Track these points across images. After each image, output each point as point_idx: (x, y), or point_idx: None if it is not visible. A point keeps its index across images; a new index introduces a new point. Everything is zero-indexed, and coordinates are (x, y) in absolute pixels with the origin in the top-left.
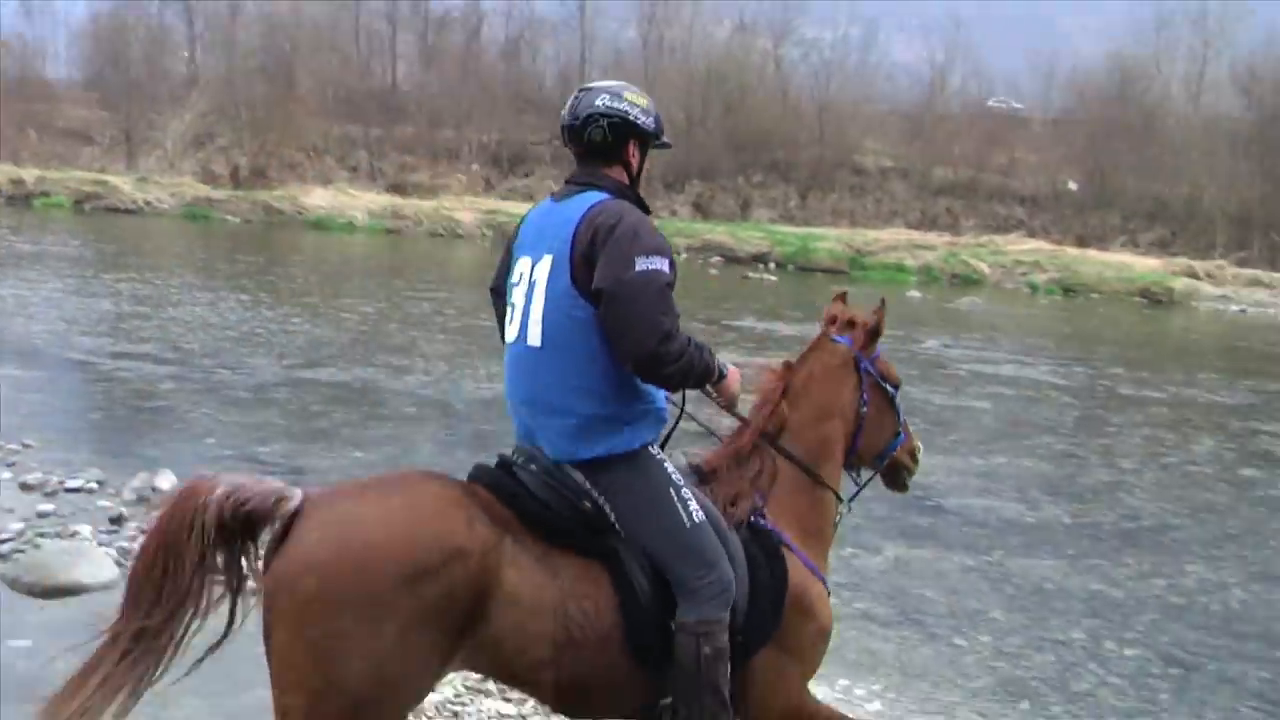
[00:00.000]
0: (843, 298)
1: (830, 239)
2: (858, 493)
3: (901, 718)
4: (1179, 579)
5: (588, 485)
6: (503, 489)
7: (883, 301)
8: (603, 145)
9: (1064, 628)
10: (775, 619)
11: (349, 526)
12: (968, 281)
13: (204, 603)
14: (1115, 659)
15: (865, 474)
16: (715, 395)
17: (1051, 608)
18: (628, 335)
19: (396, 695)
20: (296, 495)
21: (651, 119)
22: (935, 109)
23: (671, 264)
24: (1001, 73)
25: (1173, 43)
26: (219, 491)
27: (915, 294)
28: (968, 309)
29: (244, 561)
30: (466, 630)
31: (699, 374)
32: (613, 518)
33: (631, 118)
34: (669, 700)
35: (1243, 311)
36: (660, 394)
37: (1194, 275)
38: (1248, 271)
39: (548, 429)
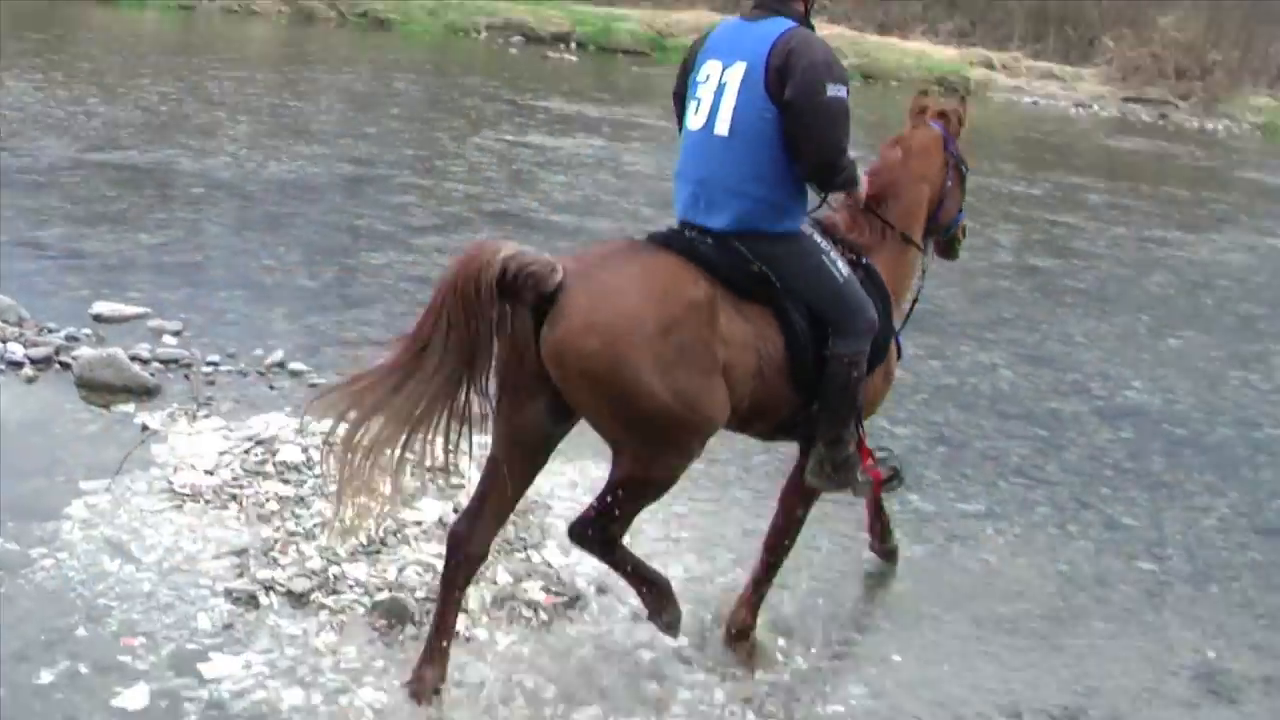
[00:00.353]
0: (926, 94)
1: (632, 20)
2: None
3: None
4: (954, 360)
5: (749, 254)
6: (695, 253)
7: (963, 97)
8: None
9: None
10: (883, 352)
11: (612, 293)
12: None
13: (479, 356)
14: (886, 438)
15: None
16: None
17: None
18: (815, 145)
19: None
20: (560, 268)
21: None
22: None
23: (848, 92)
24: None
25: None
26: (504, 253)
27: None
28: None
29: (511, 321)
30: (711, 368)
31: (853, 183)
32: (774, 278)
33: None
34: (816, 407)
35: (1035, 104)
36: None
37: (990, 66)
38: (1042, 64)
39: (723, 206)
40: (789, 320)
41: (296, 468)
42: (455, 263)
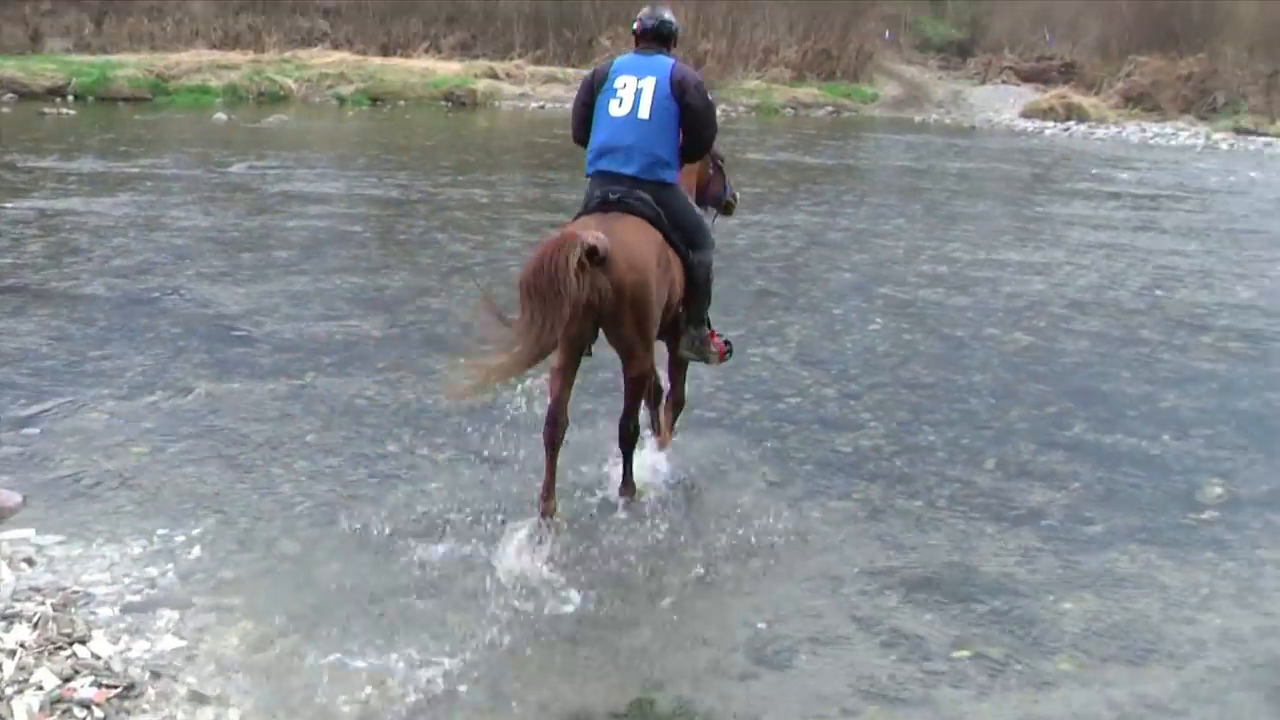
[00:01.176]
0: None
1: (130, 65)
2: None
3: (224, 558)
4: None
5: (650, 198)
6: (641, 213)
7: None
8: (668, 37)
9: (379, 440)
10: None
11: (634, 249)
12: (275, 99)
13: (568, 307)
14: (427, 464)
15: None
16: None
17: (365, 423)
18: (703, 131)
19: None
20: (604, 239)
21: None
22: None
23: None
24: None
25: None
26: (586, 237)
27: (222, 116)
28: (276, 126)
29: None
30: (669, 282)
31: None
32: (664, 216)
33: (677, 27)
34: (691, 308)
35: (541, 107)
36: None
37: (495, 76)
38: (544, 69)
39: (639, 162)
40: (670, 240)
41: None
42: (550, 245)
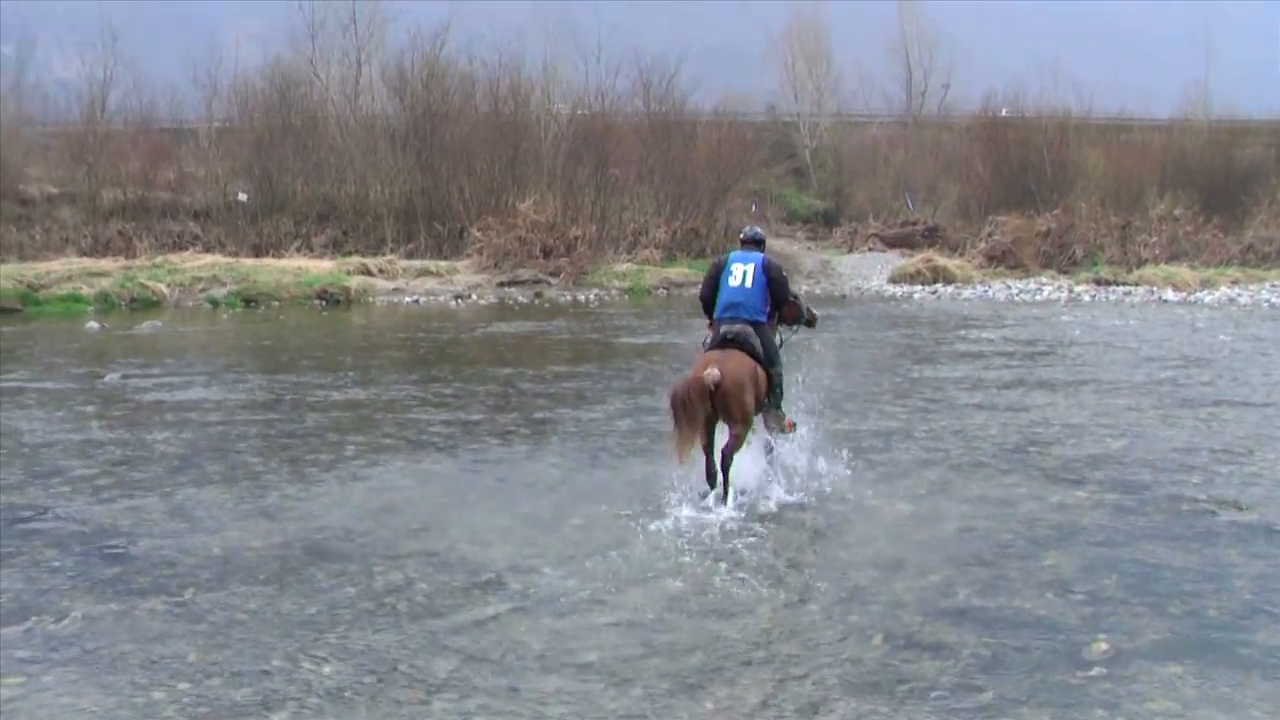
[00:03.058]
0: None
1: None
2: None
3: None
4: (369, 583)
5: (752, 330)
6: (742, 346)
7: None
8: (760, 241)
9: (262, 656)
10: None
11: (735, 374)
12: (148, 304)
13: (701, 415)
14: (314, 679)
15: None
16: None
17: (247, 639)
18: (782, 293)
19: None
20: (716, 372)
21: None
22: (98, 128)
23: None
24: (164, 85)
25: (328, 48)
26: (709, 375)
27: (94, 325)
28: (149, 332)
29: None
30: (758, 389)
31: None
32: (758, 344)
33: (764, 237)
34: (771, 399)
35: (416, 301)
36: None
37: (368, 272)
38: (417, 262)
39: (748, 313)
40: (762, 363)
41: None
42: (689, 384)
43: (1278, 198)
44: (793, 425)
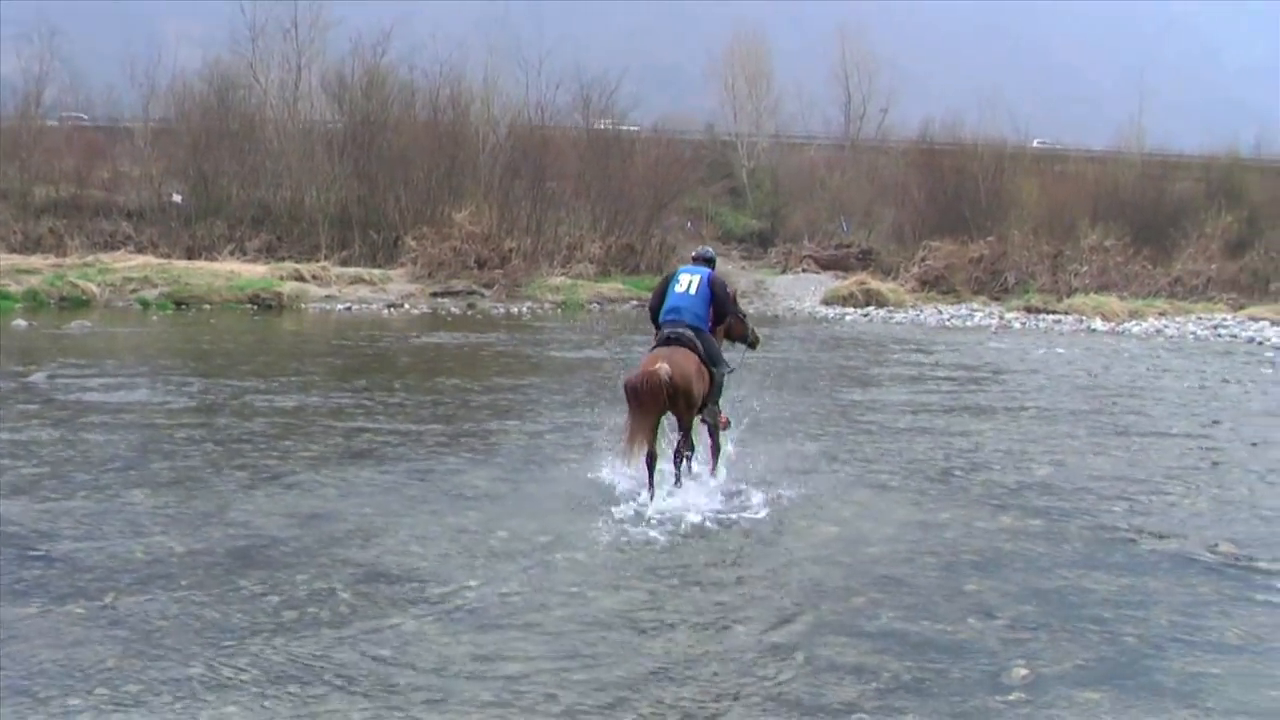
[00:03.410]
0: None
1: None
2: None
3: None
4: (290, 591)
5: (695, 338)
6: (689, 345)
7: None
8: (710, 260)
9: (183, 662)
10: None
11: (684, 368)
12: (77, 304)
13: (655, 405)
14: (234, 686)
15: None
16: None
17: (167, 645)
18: (724, 307)
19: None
20: (666, 366)
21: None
22: (32, 124)
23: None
24: (101, 83)
25: (268, 52)
26: (664, 370)
27: (22, 323)
28: (78, 332)
29: (666, 389)
30: (704, 383)
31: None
32: (700, 347)
33: (713, 255)
34: (710, 396)
35: (348, 309)
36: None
37: (301, 278)
38: (351, 270)
39: (690, 317)
40: (704, 364)
41: None
42: (642, 376)
43: (1206, 233)
44: (727, 422)
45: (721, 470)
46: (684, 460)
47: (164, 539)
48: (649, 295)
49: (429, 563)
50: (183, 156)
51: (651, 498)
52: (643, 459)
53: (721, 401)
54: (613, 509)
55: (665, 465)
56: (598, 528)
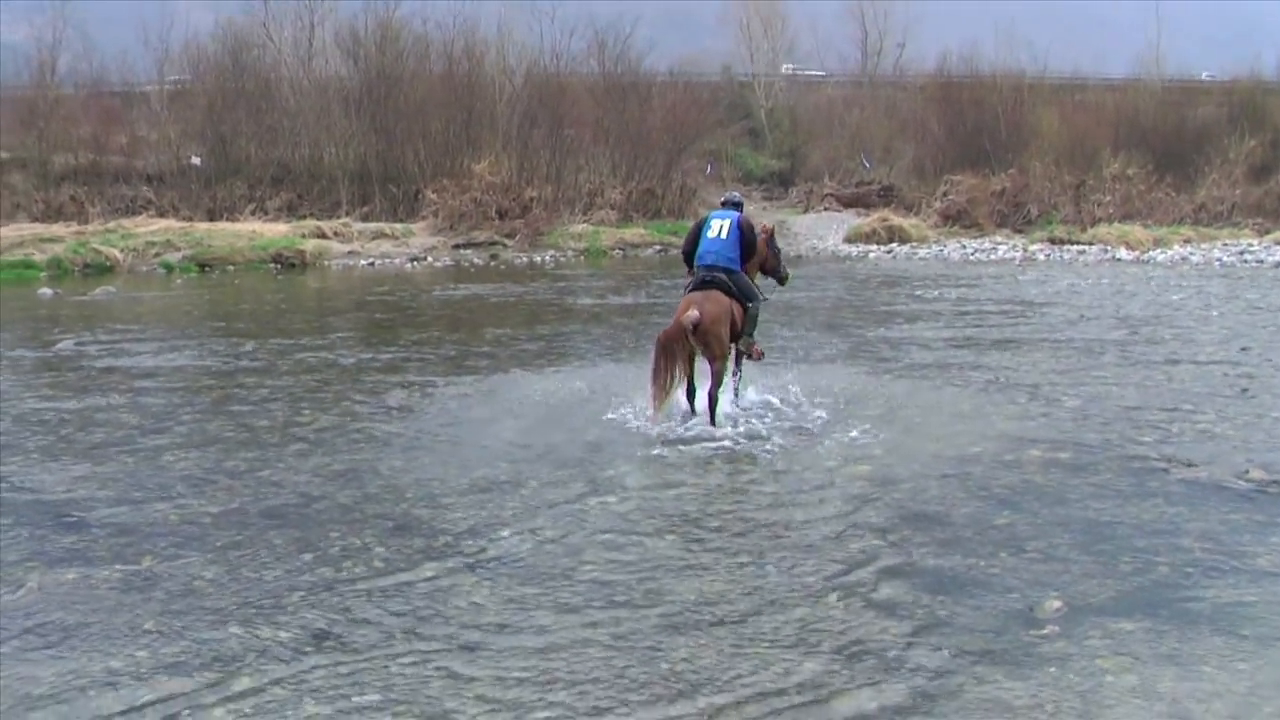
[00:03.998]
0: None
1: None
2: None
3: None
4: (324, 548)
5: (728, 280)
6: (721, 286)
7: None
8: (738, 204)
9: (220, 624)
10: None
11: (713, 313)
12: (101, 270)
13: (683, 353)
14: (272, 645)
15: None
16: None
17: (205, 606)
18: (751, 247)
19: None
20: (695, 313)
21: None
22: (49, 92)
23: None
24: (115, 48)
25: (280, 10)
26: (691, 317)
27: (47, 291)
28: (103, 299)
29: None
30: (731, 323)
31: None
32: (735, 287)
33: (741, 199)
34: (745, 329)
35: (372, 264)
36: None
37: (323, 235)
38: (372, 225)
39: (723, 260)
40: (738, 301)
41: None
42: (673, 327)
43: (1229, 158)
44: (760, 354)
45: (749, 394)
46: (732, 387)
47: (197, 502)
48: (672, 240)
49: (461, 515)
50: (199, 119)
51: (694, 409)
52: (677, 394)
53: (757, 333)
54: (644, 452)
55: (695, 403)
56: (628, 472)
